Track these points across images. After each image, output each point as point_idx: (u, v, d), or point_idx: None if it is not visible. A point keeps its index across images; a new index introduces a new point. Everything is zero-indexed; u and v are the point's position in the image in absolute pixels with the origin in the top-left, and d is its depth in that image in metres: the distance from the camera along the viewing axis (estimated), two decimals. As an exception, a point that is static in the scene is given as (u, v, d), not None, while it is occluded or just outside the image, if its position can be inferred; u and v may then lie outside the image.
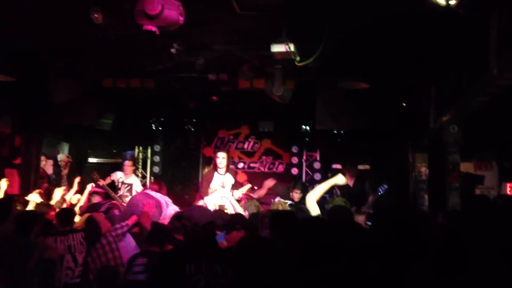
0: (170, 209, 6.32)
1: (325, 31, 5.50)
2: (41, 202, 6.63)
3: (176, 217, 5.40)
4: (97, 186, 8.68)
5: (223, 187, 7.73)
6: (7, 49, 6.82)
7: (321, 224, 3.52)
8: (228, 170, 8.13)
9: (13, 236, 4.81)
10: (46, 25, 5.97)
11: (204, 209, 5.95)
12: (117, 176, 9.05)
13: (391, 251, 2.23)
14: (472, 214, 3.85)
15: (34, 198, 6.70)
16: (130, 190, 8.70)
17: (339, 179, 5.60)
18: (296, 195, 8.17)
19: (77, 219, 6.09)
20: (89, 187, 7.90)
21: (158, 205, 6.20)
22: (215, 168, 8.11)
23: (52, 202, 6.85)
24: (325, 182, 5.61)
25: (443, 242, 2.52)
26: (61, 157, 10.21)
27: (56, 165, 10.57)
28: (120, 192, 8.70)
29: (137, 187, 8.78)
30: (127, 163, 9.19)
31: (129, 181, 8.79)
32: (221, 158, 7.98)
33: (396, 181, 9.15)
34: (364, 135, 9.68)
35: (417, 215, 2.51)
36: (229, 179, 8.02)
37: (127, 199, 8.50)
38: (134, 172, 9.18)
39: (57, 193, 7.02)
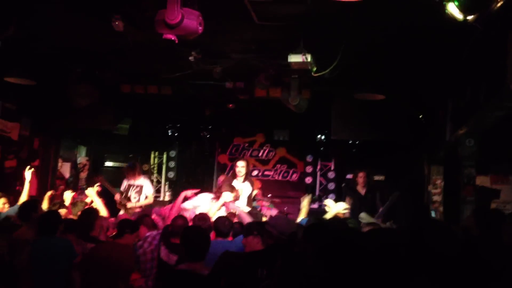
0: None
1: (342, 42, 5.54)
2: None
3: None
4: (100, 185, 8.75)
5: (236, 196, 7.60)
6: (28, 54, 6.95)
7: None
8: (247, 178, 8.02)
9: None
10: (67, 31, 6.09)
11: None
12: (123, 185, 9.05)
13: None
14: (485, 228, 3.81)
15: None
16: (139, 192, 8.73)
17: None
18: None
19: None
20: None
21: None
22: (234, 176, 8.10)
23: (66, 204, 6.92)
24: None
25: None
26: (80, 159, 10.33)
27: (74, 167, 10.71)
28: (129, 194, 8.70)
29: (147, 189, 8.78)
30: (126, 170, 9.15)
31: (139, 183, 8.80)
32: (241, 167, 7.88)
33: (411, 193, 9.11)
34: (380, 145, 9.66)
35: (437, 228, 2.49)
36: (247, 188, 7.92)
37: (134, 200, 8.59)
38: (143, 175, 9.15)
39: (67, 196, 7.06)
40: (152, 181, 11.34)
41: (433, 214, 8.43)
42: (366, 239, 3.02)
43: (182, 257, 4.35)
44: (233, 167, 8.34)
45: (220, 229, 5.26)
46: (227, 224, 5.32)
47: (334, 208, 5.90)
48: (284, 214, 8.06)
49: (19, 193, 8.58)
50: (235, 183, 7.79)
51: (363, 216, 6.76)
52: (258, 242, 4.63)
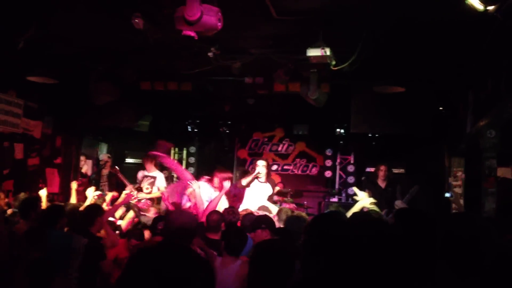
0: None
1: (361, 35, 5.53)
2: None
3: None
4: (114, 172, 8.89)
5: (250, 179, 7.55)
6: (50, 54, 7.05)
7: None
8: (268, 179, 7.97)
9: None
10: (88, 30, 6.17)
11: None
12: (139, 174, 9.11)
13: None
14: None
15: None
16: (152, 183, 8.79)
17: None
18: None
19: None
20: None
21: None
22: (249, 172, 8.08)
23: (87, 202, 7.02)
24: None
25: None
26: (102, 156, 10.45)
27: (97, 164, 10.84)
28: (142, 184, 8.76)
29: (160, 181, 8.84)
30: (144, 160, 9.23)
31: (152, 174, 8.86)
32: (261, 166, 7.83)
33: (432, 186, 9.06)
34: (400, 138, 9.61)
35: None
36: (268, 189, 7.86)
37: (146, 190, 8.62)
38: (158, 167, 9.22)
39: (89, 193, 7.16)
40: (172, 177, 11.44)
41: (447, 195, 8.36)
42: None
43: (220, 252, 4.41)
44: (253, 163, 8.34)
45: (246, 224, 5.31)
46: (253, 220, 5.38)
47: (361, 201, 5.89)
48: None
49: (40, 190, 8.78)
50: (256, 183, 7.77)
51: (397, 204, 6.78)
52: (267, 235, 4.70)
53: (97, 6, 5.33)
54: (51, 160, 9.49)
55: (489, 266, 2.14)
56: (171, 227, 3.77)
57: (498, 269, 2.27)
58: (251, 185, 7.64)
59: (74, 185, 7.23)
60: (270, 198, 7.81)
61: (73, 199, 6.92)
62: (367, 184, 9.27)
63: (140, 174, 9.02)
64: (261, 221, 4.94)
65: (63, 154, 9.79)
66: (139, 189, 8.50)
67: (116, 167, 9.05)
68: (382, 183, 8.75)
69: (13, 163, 8.32)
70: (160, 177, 8.87)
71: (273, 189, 8.03)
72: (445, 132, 8.40)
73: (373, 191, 8.68)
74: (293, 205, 9.05)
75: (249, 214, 5.76)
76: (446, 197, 8.70)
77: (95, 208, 5.65)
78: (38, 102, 8.67)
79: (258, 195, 7.69)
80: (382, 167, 8.71)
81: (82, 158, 10.19)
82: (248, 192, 7.62)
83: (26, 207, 5.42)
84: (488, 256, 2.13)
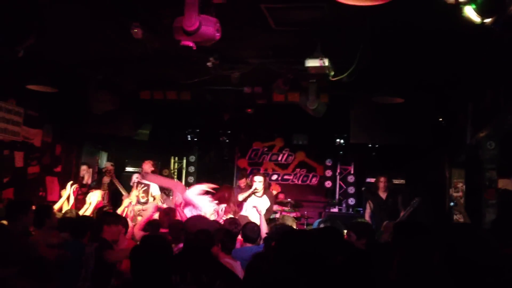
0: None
1: (359, 46, 5.53)
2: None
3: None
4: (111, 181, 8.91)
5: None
6: (50, 62, 7.07)
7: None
8: (265, 192, 7.94)
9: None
10: (87, 39, 6.19)
11: (200, 218, 5.88)
12: (133, 178, 9.08)
13: None
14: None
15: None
16: (146, 191, 8.76)
17: None
18: None
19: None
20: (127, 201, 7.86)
21: None
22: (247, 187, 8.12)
23: (90, 208, 7.00)
24: None
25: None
26: (106, 164, 10.43)
27: (99, 172, 10.82)
28: (137, 191, 8.70)
29: (154, 189, 8.80)
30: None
31: (146, 182, 8.80)
32: (258, 182, 7.83)
33: (432, 197, 9.02)
34: (400, 149, 9.59)
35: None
36: (265, 202, 7.80)
37: (142, 200, 8.58)
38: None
39: (94, 198, 7.13)
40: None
41: (452, 204, 8.32)
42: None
43: None
44: (252, 172, 8.33)
45: (249, 235, 5.28)
46: (256, 230, 5.36)
47: None
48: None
49: (41, 199, 8.77)
50: (252, 198, 7.80)
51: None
52: None
53: (96, 15, 5.34)
54: (51, 168, 9.48)
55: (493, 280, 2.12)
56: (191, 232, 3.84)
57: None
58: (248, 199, 7.74)
59: (68, 189, 7.18)
60: (268, 212, 7.78)
61: (65, 205, 6.87)
62: (367, 195, 9.25)
63: (134, 177, 8.98)
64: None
65: (63, 162, 9.78)
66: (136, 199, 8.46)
67: (113, 173, 9.07)
68: (382, 194, 8.72)
69: (13, 171, 8.31)
70: (154, 184, 8.83)
71: (271, 202, 7.99)
72: (445, 143, 8.38)
73: (374, 202, 8.67)
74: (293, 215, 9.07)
75: (250, 223, 5.72)
76: (449, 207, 8.66)
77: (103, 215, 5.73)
78: (38, 111, 8.68)
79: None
80: (382, 179, 8.68)
81: (84, 167, 10.17)
82: (245, 206, 7.70)
83: (40, 216, 5.37)
84: (490, 269, 2.11)
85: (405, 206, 8.21)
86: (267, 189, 8.05)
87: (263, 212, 7.40)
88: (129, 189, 8.74)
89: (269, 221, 7.12)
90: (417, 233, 3.06)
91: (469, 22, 3.89)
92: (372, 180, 9.94)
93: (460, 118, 7.57)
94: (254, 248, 5.05)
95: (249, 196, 7.71)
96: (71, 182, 7.49)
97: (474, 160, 7.18)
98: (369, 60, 5.64)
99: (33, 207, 5.28)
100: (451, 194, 8.73)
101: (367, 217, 8.96)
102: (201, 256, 3.79)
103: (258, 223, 6.06)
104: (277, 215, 9.43)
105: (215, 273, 3.57)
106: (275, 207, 8.14)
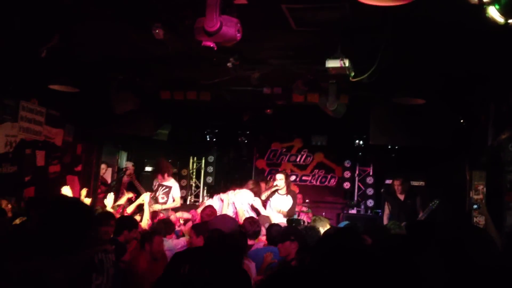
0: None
1: (380, 46, 5.50)
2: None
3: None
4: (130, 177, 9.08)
5: (279, 211, 7.59)
6: (72, 62, 7.16)
7: None
8: (289, 191, 7.89)
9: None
10: (109, 40, 6.26)
11: (223, 217, 5.89)
12: (154, 183, 9.15)
13: None
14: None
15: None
16: (167, 193, 8.81)
17: None
18: None
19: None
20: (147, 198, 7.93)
21: None
22: (269, 187, 8.09)
23: (108, 208, 7.10)
24: None
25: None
26: (127, 164, 10.53)
27: (117, 172, 10.92)
28: (157, 194, 8.78)
29: (175, 191, 8.84)
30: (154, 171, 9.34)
31: (168, 184, 8.85)
32: (279, 180, 7.80)
33: (452, 199, 8.93)
34: (419, 150, 9.52)
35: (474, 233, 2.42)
36: (288, 201, 7.78)
37: (161, 200, 8.65)
38: (174, 177, 9.26)
39: (109, 202, 7.25)
40: (190, 186, 11.49)
41: (475, 207, 8.20)
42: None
43: None
44: (271, 173, 8.32)
45: (274, 235, 5.29)
46: (281, 232, 5.35)
47: None
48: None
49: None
50: (276, 196, 7.78)
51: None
52: (294, 248, 4.67)
53: (118, 16, 5.40)
54: (71, 167, 9.58)
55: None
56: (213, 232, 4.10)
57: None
58: (272, 198, 7.73)
59: (84, 192, 7.32)
60: (291, 210, 7.75)
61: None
62: (386, 197, 9.20)
63: (154, 183, 9.07)
64: (291, 232, 4.93)
65: (83, 161, 9.88)
66: (155, 200, 8.52)
67: (133, 173, 9.17)
68: (401, 196, 8.68)
69: (35, 170, 8.42)
70: (176, 186, 8.88)
71: (294, 201, 7.93)
72: (466, 145, 8.29)
73: (392, 204, 8.62)
74: (311, 215, 9.05)
75: (276, 225, 5.73)
76: (469, 209, 8.57)
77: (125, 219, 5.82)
78: (60, 110, 8.79)
79: (279, 208, 7.68)
80: (396, 182, 8.64)
81: (103, 166, 10.28)
82: (269, 205, 7.72)
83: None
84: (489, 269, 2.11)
85: (424, 207, 8.17)
86: (289, 186, 8.00)
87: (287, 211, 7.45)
88: (148, 190, 8.81)
89: (290, 221, 7.10)
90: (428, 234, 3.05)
91: (492, 22, 3.84)
92: (391, 181, 9.90)
93: (481, 119, 7.48)
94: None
95: (271, 194, 7.68)
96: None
97: (495, 162, 7.09)
98: (390, 60, 5.61)
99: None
100: (472, 196, 8.64)
101: (385, 218, 8.94)
102: (210, 253, 3.90)
103: (281, 223, 6.09)
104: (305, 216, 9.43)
105: (221, 270, 3.63)
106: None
